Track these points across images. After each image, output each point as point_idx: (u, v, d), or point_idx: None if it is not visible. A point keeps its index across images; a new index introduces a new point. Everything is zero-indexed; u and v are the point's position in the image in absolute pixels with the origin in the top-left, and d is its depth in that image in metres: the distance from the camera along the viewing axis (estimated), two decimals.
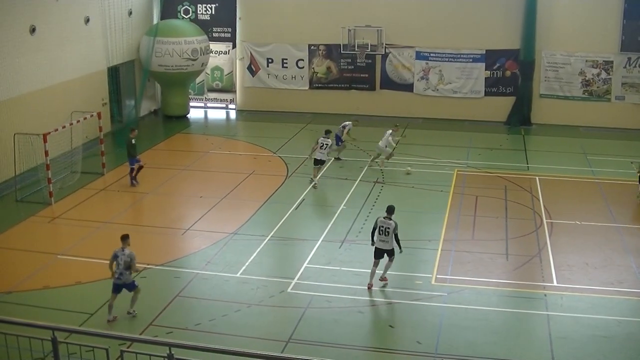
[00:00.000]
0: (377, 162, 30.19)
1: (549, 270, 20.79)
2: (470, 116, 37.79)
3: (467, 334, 17.39)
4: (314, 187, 27.76)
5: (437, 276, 20.29)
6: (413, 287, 19.71)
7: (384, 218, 19.22)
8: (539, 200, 26.38)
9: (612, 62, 37.01)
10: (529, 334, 17.68)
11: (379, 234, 19.24)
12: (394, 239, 19.13)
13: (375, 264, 19.48)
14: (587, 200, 26.83)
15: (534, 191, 27.43)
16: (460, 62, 38.32)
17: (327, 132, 28.65)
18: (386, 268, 19.60)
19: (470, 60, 38.15)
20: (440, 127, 37.11)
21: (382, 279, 19.71)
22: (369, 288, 19.46)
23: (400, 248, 19.28)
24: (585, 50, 36.99)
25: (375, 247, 19.40)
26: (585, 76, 37.33)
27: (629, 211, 25.88)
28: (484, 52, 37.91)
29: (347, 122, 31.42)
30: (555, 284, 20.05)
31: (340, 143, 30.92)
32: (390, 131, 30.04)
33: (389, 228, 19.07)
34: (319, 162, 28.11)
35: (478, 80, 38.23)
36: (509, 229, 23.81)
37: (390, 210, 19.34)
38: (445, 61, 38.39)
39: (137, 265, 17.87)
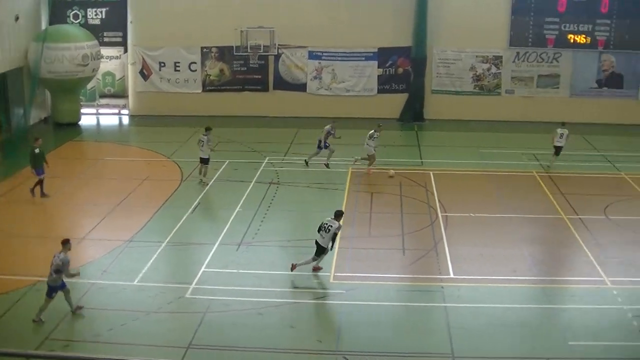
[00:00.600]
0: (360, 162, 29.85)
1: (445, 263, 21.01)
2: (363, 114, 37.98)
3: (368, 330, 17.37)
4: (201, 184, 27.77)
5: (336, 274, 20.22)
6: (312, 286, 19.63)
7: (331, 218, 19.73)
8: (434, 195, 26.70)
9: (501, 57, 37.93)
10: (428, 326, 17.81)
11: (320, 230, 19.70)
12: (330, 238, 19.53)
13: (314, 259, 19.96)
14: (481, 193, 27.35)
15: (428, 186, 27.75)
16: (353, 60, 38.58)
17: (207, 129, 28.30)
18: (306, 261, 19.90)
19: (363, 58, 38.44)
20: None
21: (293, 266, 19.95)
22: (292, 268, 19.95)
23: (331, 247, 19.85)
24: (476, 46, 37.77)
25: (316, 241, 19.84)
26: (476, 71, 38.13)
27: (522, 202, 26.41)
28: (376, 50, 38.27)
29: (327, 127, 30.39)
30: (451, 275, 20.27)
31: (327, 147, 30.17)
32: (373, 131, 29.58)
33: (331, 226, 19.51)
34: (203, 161, 27.96)
35: (371, 79, 38.56)
36: (405, 224, 23.99)
37: (338, 213, 19.93)
38: (337, 60, 38.58)
39: (71, 271, 17.71)
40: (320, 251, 19.84)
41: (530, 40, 37.67)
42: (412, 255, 21.62)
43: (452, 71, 38.24)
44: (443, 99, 38.42)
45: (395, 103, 38.46)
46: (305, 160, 30.38)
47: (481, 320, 17.85)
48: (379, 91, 38.67)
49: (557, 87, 38.36)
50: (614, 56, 38.16)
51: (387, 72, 38.58)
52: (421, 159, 31.28)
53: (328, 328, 17.55)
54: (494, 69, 38.09)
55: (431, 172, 29.28)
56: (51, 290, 17.52)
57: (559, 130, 30.24)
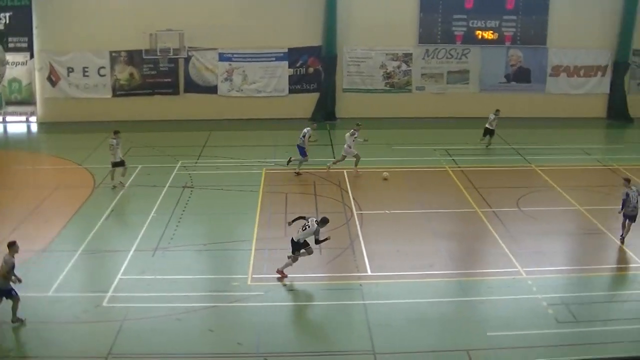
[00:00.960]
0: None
1: (363, 260, 20.96)
2: (275, 114, 37.81)
3: (288, 331, 17.24)
4: (116, 189, 27.24)
5: (253, 276, 19.95)
6: (230, 289, 19.27)
7: (315, 220, 19.62)
8: (348, 193, 26.66)
9: (411, 54, 38.27)
10: (348, 324, 17.68)
11: (301, 229, 19.66)
12: (303, 236, 19.52)
13: (294, 258, 19.83)
14: (395, 189, 27.44)
15: (342, 184, 27.72)
16: (263, 61, 38.36)
17: (116, 132, 27.70)
18: (286, 265, 19.77)
19: (273, 59, 38.26)
20: (246, 127, 36.92)
21: (278, 271, 19.85)
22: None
23: (304, 247, 19.66)
24: (385, 44, 37.99)
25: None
26: (386, 69, 38.35)
27: (435, 197, 26.61)
28: (287, 50, 38.14)
29: (305, 129, 29.77)
30: (369, 273, 20.23)
31: (305, 155, 29.38)
32: (352, 131, 29.31)
33: (309, 227, 19.49)
34: (116, 165, 27.46)
35: (282, 79, 38.41)
36: None
37: (324, 220, 19.63)
38: (248, 61, 38.29)
39: (12, 276, 17.18)
40: (295, 247, 19.70)
41: (439, 37, 38.11)
42: (329, 254, 21.48)
43: (362, 69, 38.37)
44: (354, 98, 38.53)
45: (307, 103, 38.39)
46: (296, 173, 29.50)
47: (400, 316, 17.83)
48: (291, 91, 38.56)
49: (467, 83, 38.94)
50: (521, 51, 39.00)
51: (298, 72, 38.49)
52: (334, 157, 31.18)
53: (248, 330, 17.25)
54: (404, 67, 38.37)
55: (345, 171, 29.24)
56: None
57: (491, 115, 32.77)
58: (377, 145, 33.04)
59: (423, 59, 38.35)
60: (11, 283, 17.30)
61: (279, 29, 37.68)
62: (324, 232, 20.11)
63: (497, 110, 33.34)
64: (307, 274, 20.11)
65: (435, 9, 37.69)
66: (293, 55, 38.21)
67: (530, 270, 20.32)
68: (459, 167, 29.90)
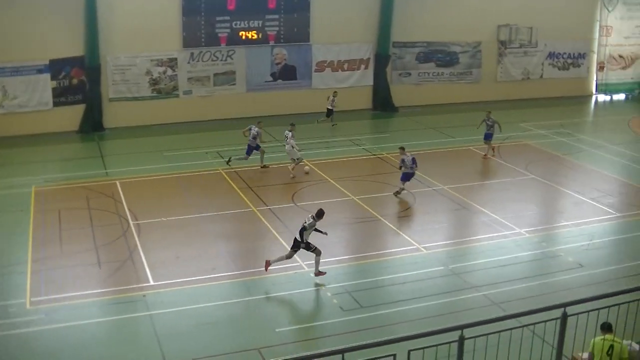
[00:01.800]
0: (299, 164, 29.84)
1: (144, 271, 20.51)
2: (41, 129, 36.05)
3: (75, 352, 16.57)
4: None
5: (32, 299, 18.94)
6: (7, 316, 18.17)
7: (310, 217, 20.09)
8: (123, 204, 25.95)
9: (176, 59, 37.83)
10: (136, 338, 17.32)
11: (300, 230, 20.05)
12: (299, 233, 19.99)
13: (290, 253, 20.34)
14: (170, 196, 27.08)
15: (116, 195, 26.91)
16: (24, 75, 36.43)
17: None
18: (316, 263, 20.06)
19: (35, 72, 36.48)
20: (11, 145, 34.74)
21: (316, 273, 20.11)
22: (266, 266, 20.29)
23: (303, 242, 19.98)
24: (150, 50, 37.30)
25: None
26: (152, 75, 37.70)
27: (212, 200, 26.51)
28: (48, 62, 36.46)
29: (253, 128, 30.23)
30: (151, 282, 19.86)
31: (258, 149, 30.16)
32: (287, 132, 29.87)
33: (307, 224, 19.86)
34: None
35: (45, 92, 36.70)
36: (97, 238, 23.05)
37: (319, 213, 20.11)
38: (7, 76, 36.12)
39: None
40: (295, 245, 20.10)
41: (203, 40, 37.94)
42: (108, 268, 20.85)
43: (127, 77, 37.49)
44: (122, 106, 37.56)
45: (73, 115, 36.93)
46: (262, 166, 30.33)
47: (189, 322, 17.68)
48: (55, 104, 36.88)
49: (234, 84, 39.07)
50: (285, 49, 39.65)
51: (62, 84, 36.94)
52: (105, 169, 30.32)
53: (30, 357, 16.39)
54: (170, 72, 37.92)
55: (117, 182, 28.45)
56: None
57: (330, 96, 37.71)
58: (148, 152, 32.53)
59: (188, 62, 38.07)
60: None
61: (39, 40, 35.78)
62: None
63: (335, 92, 38.15)
64: (87, 290, 19.42)
65: (197, 11, 37.49)
66: (55, 67, 36.58)
67: (312, 263, 20.69)
68: (232, 168, 29.96)
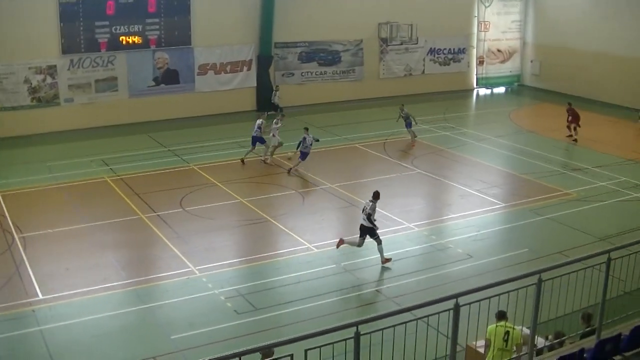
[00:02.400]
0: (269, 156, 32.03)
1: (32, 285, 19.99)
2: None
3: None
4: None
5: None
6: None
7: (369, 200, 21.36)
8: (6, 217, 25.20)
9: (55, 66, 36.92)
10: (29, 355, 16.86)
11: (361, 212, 21.41)
12: (373, 215, 21.11)
13: (360, 241, 21.47)
14: (56, 207, 26.50)
15: None
16: None
17: None
18: (380, 252, 21.19)
19: None
20: None
21: (383, 261, 21.28)
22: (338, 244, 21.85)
23: (374, 226, 21.20)
24: (28, 58, 36.25)
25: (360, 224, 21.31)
26: (31, 83, 36.69)
27: (98, 209, 25.98)
28: None
29: (258, 121, 32.16)
30: (40, 297, 19.37)
31: (264, 142, 31.86)
32: (277, 120, 32.65)
33: (366, 207, 21.15)
34: None
35: None
36: None
37: (375, 194, 21.50)
38: None
39: None
40: (364, 232, 21.21)
41: (83, 46, 37.16)
42: None
43: (5, 86, 36.35)
44: (1, 117, 36.45)
45: None
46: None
47: (83, 335, 17.45)
48: None
49: (116, 90, 38.43)
50: (167, 53, 39.28)
51: None
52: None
53: None
54: (49, 79, 37.01)
55: None
56: None
57: (275, 92, 40.39)
58: (31, 163, 31.62)
59: (68, 69, 37.22)
60: None
61: None
62: None
63: (277, 86, 41.17)
64: None
65: (75, 17, 36.66)
66: None
67: (204, 267, 20.77)
68: (118, 175, 29.56)
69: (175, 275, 20.57)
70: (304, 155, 29.86)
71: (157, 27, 38.59)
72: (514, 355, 12.92)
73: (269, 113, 37.43)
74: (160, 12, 38.40)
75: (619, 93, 43.91)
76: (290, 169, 29.94)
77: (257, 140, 31.69)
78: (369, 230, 21.26)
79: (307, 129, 30.32)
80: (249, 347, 8.98)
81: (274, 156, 31.95)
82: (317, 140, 30.73)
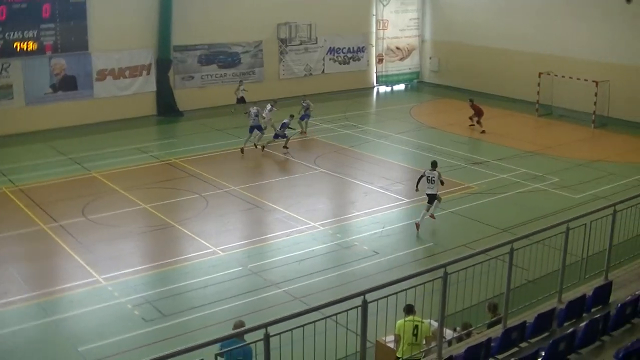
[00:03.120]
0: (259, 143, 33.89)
1: None
2: None
3: None
4: None
5: None
6: None
7: (429, 170, 24.12)
8: None
9: None
10: None
11: (427, 182, 24.06)
12: (438, 185, 24.02)
13: (427, 208, 24.20)
14: None
15: None
16: None
17: None
18: (434, 207, 24.28)
19: None
20: None
21: (432, 216, 24.45)
22: (417, 227, 24.05)
23: (442, 183, 24.40)
24: None
25: (427, 194, 24.13)
26: None
27: None
28: None
29: (268, 106, 35.42)
30: None
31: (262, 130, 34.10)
32: (270, 107, 35.25)
33: (434, 177, 23.92)
34: None
35: None
36: None
37: (434, 164, 24.48)
38: None
39: None
40: (432, 199, 24.02)
41: None
42: None
43: None
44: None
45: None
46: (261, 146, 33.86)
47: None
48: None
49: (12, 98, 37.32)
50: (63, 59, 38.39)
51: None
52: None
53: None
54: None
55: None
56: None
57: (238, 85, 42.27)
58: None
59: None
60: None
61: None
62: None
63: (241, 80, 42.96)
64: None
65: None
66: None
67: (109, 276, 20.47)
68: (17, 186, 28.79)
69: (80, 285, 20.19)
70: (252, 129, 33.55)
71: (53, 32, 37.65)
72: (423, 349, 13.18)
73: (234, 109, 39.69)
74: (55, 17, 37.47)
75: (516, 87, 45.16)
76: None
77: (255, 128, 33.63)
78: (435, 197, 24.02)
79: (292, 115, 34.49)
80: (159, 355, 8.83)
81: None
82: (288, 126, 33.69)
